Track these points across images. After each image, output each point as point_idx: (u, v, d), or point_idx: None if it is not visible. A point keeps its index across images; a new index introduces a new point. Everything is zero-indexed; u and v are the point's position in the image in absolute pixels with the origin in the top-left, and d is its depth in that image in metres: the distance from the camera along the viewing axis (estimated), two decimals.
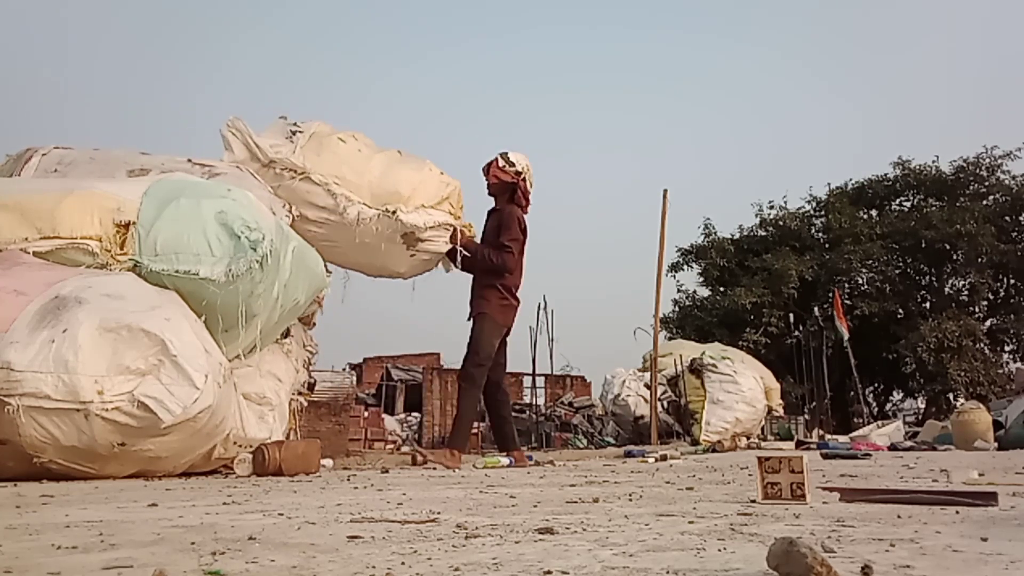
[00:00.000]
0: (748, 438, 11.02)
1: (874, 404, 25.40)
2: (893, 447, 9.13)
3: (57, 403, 3.78)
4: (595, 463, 6.40)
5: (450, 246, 6.33)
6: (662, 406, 12.99)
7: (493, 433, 6.70)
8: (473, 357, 6.24)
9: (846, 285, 23.21)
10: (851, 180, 25.96)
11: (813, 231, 25.64)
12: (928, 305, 24.24)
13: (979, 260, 22.65)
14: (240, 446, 4.70)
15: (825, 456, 6.30)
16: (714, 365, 12.49)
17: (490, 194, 6.51)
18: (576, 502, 2.67)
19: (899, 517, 2.06)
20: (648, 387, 12.81)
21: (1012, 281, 24.17)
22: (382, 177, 6.09)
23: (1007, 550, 1.53)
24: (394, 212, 5.98)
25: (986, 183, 24.03)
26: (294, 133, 6.06)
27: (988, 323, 23.92)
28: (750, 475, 3.70)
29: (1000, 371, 22.42)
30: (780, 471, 2.46)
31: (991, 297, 24.00)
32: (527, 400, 20.17)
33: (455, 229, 6.32)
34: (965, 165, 24.00)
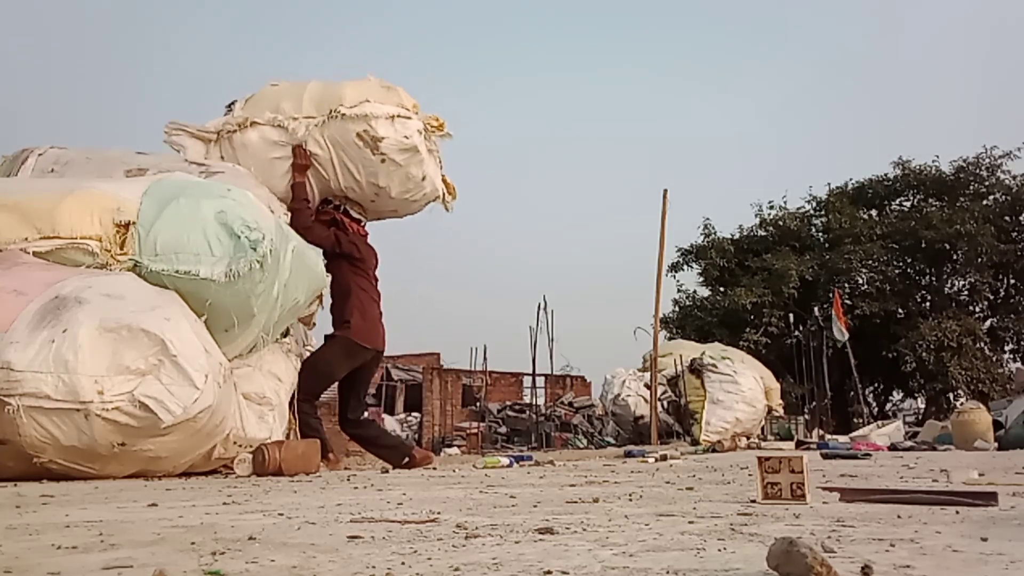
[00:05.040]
0: (748, 438, 11.03)
1: (874, 404, 25.41)
2: (893, 447, 9.14)
3: (57, 403, 3.78)
4: (595, 463, 6.40)
5: (408, 141, 5.85)
6: (662, 406, 12.99)
7: (379, 455, 6.20)
8: (305, 384, 5.60)
9: (846, 285, 23.21)
10: (851, 180, 26.03)
11: (813, 231, 25.65)
12: (928, 305, 24.25)
13: (979, 260, 22.67)
14: (240, 446, 4.70)
15: (825, 456, 6.30)
16: (714, 365, 12.50)
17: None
18: (576, 502, 2.67)
19: (899, 517, 2.06)
20: (648, 387, 12.81)
21: (1012, 281, 24.18)
22: (322, 93, 5.95)
23: (1007, 550, 1.53)
24: (338, 111, 5.79)
25: (986, 183, 24.06)
26: (230, 108, 6.06)
27: (988, 323, 23.93)
28: (750, 475, 3.70)
29: (1000, 370, 22.44)
30: (780, 471, 2.46)
31: (991, 297, 24.01)
32: (527, 400, 20.18)
33: (298, 146, 5.79)
34: (965, 165, 24.02)
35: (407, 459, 5.84)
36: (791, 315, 20.78)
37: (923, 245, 23.45)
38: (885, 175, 25.55)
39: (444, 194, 6.51)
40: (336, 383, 6.16)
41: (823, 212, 25.55)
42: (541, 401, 19.92)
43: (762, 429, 12.87)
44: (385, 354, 6.57)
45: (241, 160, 5.83)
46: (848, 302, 21.72)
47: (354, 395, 6.06)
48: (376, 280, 6.15)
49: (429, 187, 6.24)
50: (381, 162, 5.88)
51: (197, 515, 2.33)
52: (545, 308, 16.42)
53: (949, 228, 22.27)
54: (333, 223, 6.02)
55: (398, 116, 5.89)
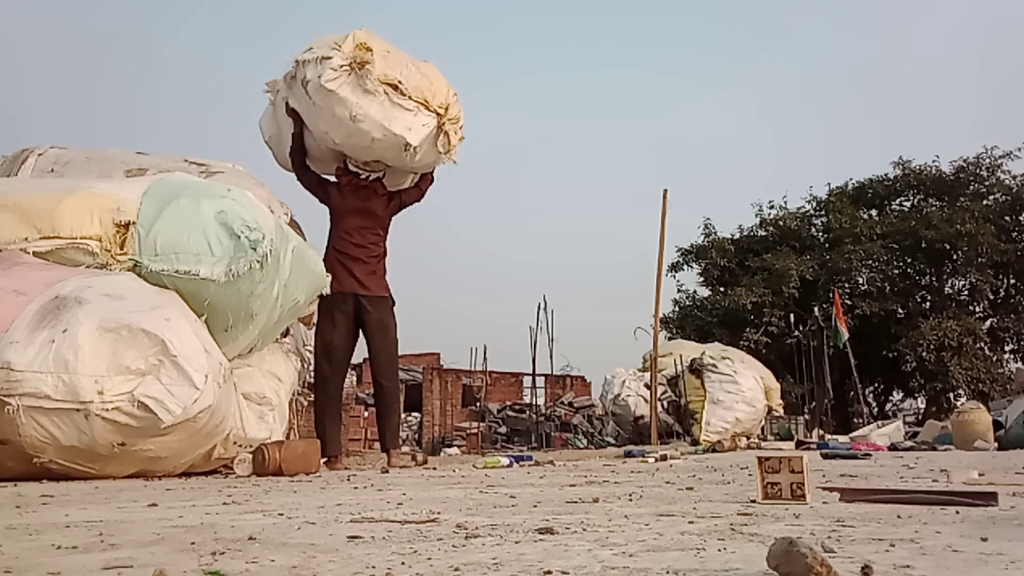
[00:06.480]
0: (748, 438, 11.02)
1: (874, 404, 25.41)
2: (893, 447, 9.13)
3: (57, 403, 3.78)
4: (595, 463, 6.39)
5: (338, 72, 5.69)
6: (662, 406, 12.99)
7: (382, 429, 6.39)
8: (315, 362, 6.00)
9: (846, 285, 23.21)
10: (851, 180, 26.01)
11: (813, 231, 25.65)
12: (928, 305, 24.25)
13: (979, 260, 22.65)
14: (240, 446, 4.70)
15: (825, 456, 6.29)
16: (714, 365, 12.49)
17: None
18: (576, 502, 2.67)
19: (899, 517, 2.06)
20: (648, 387, 12.80)
21: (1012, 281, 24.18)
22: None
23: (1007, 550, 1.53)
24: (296, 63, 5.85)
25: (986, 183, 24.04)
26: None
27: (988, 323, 23.93)
28: (750, 475, 3.70)
29: (1000, 370, 22.43)
30: (780, 471, 2.46)
31: (991, 297, 24.00)
32: (527, 400, 20.19)
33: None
34: (965, 165, 24.00)
35: (387, 454, 5.97)
36: (791, 315, 20.76)
37: (923, 245, 23.45)
38: (885, 175, 25.55)
39: (436, 142, 6.05)
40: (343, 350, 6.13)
41: (823, 212, 25.55)
42: (541, 401, 19.94)
43: (762, 429, 12.86)
44: None
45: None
46: (848, 302, 21.71)
47: (371, 350, 6.10)
48: (364, 229, 6.07)
49: (377, 131, 5.74)
50: (313, 106, 5.84)
51: (197, 515, 2.33)
52: (545, 308, 16.46)
53: (949, 228, 22.26)
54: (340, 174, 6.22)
55: (324, 57, 5.74)
